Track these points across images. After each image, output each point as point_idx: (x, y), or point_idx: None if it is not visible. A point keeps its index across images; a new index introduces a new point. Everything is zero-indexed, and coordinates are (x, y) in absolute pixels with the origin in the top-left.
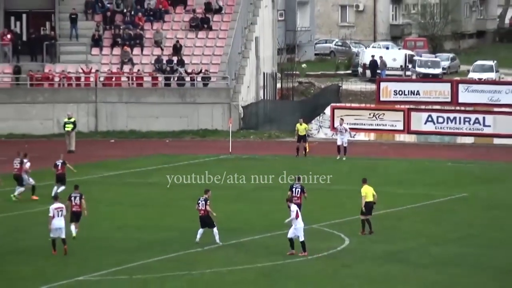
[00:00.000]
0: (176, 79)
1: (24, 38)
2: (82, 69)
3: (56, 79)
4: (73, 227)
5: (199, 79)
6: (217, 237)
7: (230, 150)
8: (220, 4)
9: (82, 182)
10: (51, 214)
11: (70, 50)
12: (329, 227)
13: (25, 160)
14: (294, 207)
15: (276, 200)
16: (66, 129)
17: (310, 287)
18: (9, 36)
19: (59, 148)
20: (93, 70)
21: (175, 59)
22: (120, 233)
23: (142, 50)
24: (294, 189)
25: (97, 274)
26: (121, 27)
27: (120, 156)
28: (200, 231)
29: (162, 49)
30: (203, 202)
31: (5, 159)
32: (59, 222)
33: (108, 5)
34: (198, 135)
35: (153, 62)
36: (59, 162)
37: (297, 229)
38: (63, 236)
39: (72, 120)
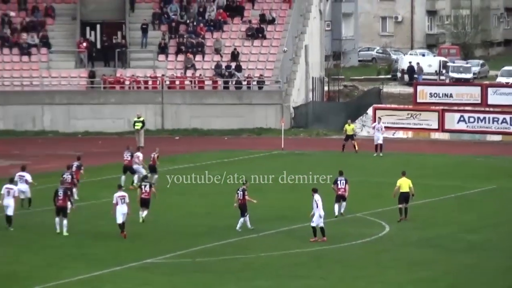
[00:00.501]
0: (234, 82)
1: (98, 46)
2: (150, 76)
3: (127, 82)
4: (142, 213)
5: (254, 82)
6: (248, 223)
7: (283, 147)
8: (273, 15)
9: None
10: (114, 202)
11: (139, 57)
12: (371, 215)
13: (138, 154)
14: (317, 197)
15: (324, 191)
16: (136, 127)
17: (354, 269)
18: (84, 44)
19: (130, 144)
20: (159, 75)
21: (233, 65)
22: (187, 220)
23: (203, 57)
24: (339, 182)
25: (163, 257)
26: (185, 36)
27: (184, 151)
28: (241, 220)
29: (221, 56)
30: (241, 192)
31: (81, 153)
32: (121, 209)
33: (173, 16)
34: (253, 133)
35: (213, 67)
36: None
37: (318, 217)
38: (122, 221)
39: (141, 119)
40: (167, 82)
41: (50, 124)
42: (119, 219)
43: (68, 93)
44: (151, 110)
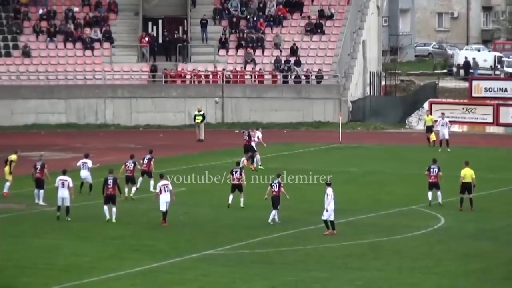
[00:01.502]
0: (293, 77)
1: (160, 40)
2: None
3: (188, 76)
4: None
5: (313, 77)
6: (276, 216)
7: (340, 140)
8: (332, 11)
9: (215, 167)
10: (158, 190)
11: (200, 51)
12: (426, 207)
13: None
14: (330, 191)
15: (381, 183)
16: (196, 120)
17: (409, 260)
18: (147, 39)
19: (190, 137)
20: (220, 69)
21: (292, 59)
22: (246, 212)
23: (263, 52)
24: (431, 169)
25: (222, 248)
26: (245, 31)
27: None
28: (273, 212)
29: (280, 51)
30: (277, 184)
31: (141, 147)
32: (165, 197)
33: (234, 12)
34: (312, 127)
35: (272, 62)
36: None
37: (329, 210)
38: (166, 209)
39: (202, 112)
40: (228, 76)
41: (112, 118)
42: (163, 207)
43: (130, 87)
44: (211, 103)
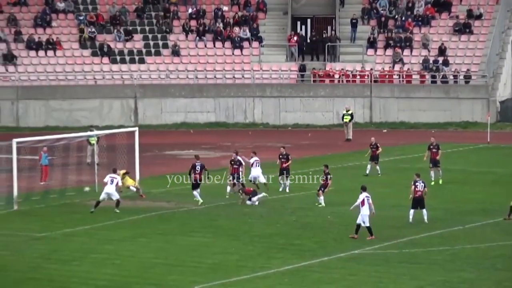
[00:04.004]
0: (441, 77)
1: (308, 40)
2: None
3: (336, 76)
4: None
5: (461, 77)
6: (426, 217)
7: (488, 140)
8: (480, 11)
9: (363, 166)
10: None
11: (348, 51)
12: None
13: None
14: (361, 196)
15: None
16: (344, 120)
17: None
18: (295, 38)
19: (338, 136)
20: (368, 69)
21: (440, 59)
22: (394, 212)
23: (411, 51)
24: None
25: (370, 248)
26: (393, 31)
27: (392, 144)
28: (412, 211)
29: (429, 51)
30: (422, 184)
31: (289, 146)
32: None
33: (382, 11)
34: (460, 127)
35: (420, 62)
36: None
37: (362, 215)
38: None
39: (350, 112)
40: (376, 76)
41: (260, 117)
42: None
43: (279, 86)
44: (359, 103)
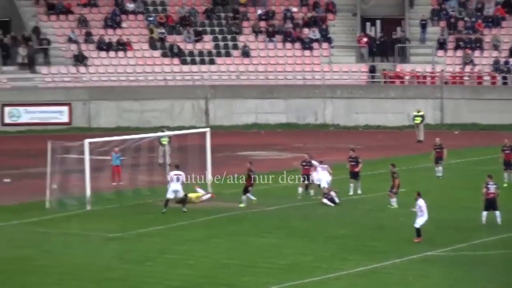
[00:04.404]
0: None
1: (377, 41)
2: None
3: (407, 77)
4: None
5: None
6: (499, 219)
7: None
8: None
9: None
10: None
11: (418, 52)
12: None
13: None
14: (420, 202)
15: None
16: (415, 121)
17: None
18: (365, 39)
19: (409, 138)
20: (438, 70)
21: (511, 60)
22: (468, 214)
23: (481, 53)
24: None
25: (443, 250)
26: (463, 32)
27: (464, 145)
28: (484, 213)
29: (499, 52)
30: (495, 186)
31: (361, 147)
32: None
33: (452, 12)
34: None
35: (491, 63)
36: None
37: (420, 219)
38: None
39: (421, 113)
40: (446, 77)
41: (331, 118)
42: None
43: (349, 87)
44: (430, 105)
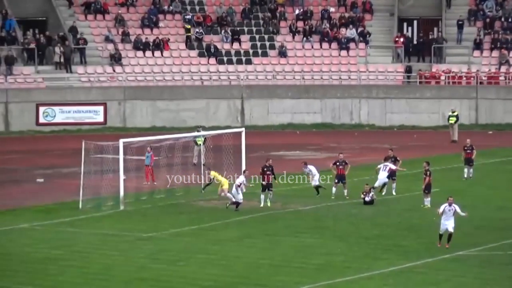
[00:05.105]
0: None
1: (415, 41)
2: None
3: (442, 77)
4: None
5: None
6: None
7: None
8: None
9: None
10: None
11: (454, 52)
12: None
13: None
14: (456, 207)
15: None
16: (450, 121)
17: None
18: (401, 39)
19: (444, 138)
20: (474, 70)
21: None
22: (500, 213)
23: None
24: None
25: (476, 249)
26: (500, 32)
27: (496, 145)
28: None
29: None
30: None
31: (396, 147)
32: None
33: (489, 12)
34: None
35: None
36: None
37: (447, 224)
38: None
39: (456, 113)
40: (482, 78)
41: (366, 118)
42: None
43: (385, 87)
44: (465, 105)
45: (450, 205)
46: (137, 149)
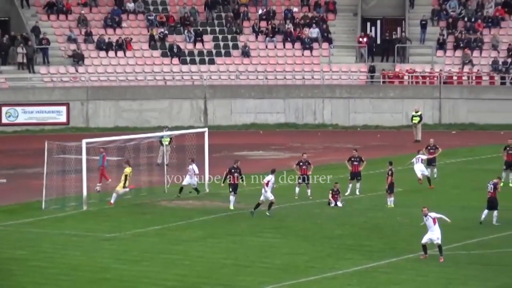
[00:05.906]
0: (510, 78)
1: (378, 41)
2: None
3: (405, 77)
4: None
5: None
6: (495, 219)
7: None
8: None
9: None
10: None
11: (418, 52)
12: None
13: None
14: (433, 215)
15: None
16: (413, 121)
17: None
18: (365, 39)
19: (407, 138)
20: (437, 70)
21: (509, 60)
22: (463, 213)
23: (480, 53)
24: None
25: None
26: (463, 32)
27: (459, 145)
28: (485, 212)
29: (498, 52)
30: (492, 186)
31: (359, 147)
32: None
33: (452, 12)
34: None
35: (490, 63)
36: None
37: (431, 236)
38: None
39: (419, 113)
40: (445, 78)
41: (330, 117)
42: None
43: (348, 87)
44: (428, 104)
45: (425, 216)
46: (98, 150)
